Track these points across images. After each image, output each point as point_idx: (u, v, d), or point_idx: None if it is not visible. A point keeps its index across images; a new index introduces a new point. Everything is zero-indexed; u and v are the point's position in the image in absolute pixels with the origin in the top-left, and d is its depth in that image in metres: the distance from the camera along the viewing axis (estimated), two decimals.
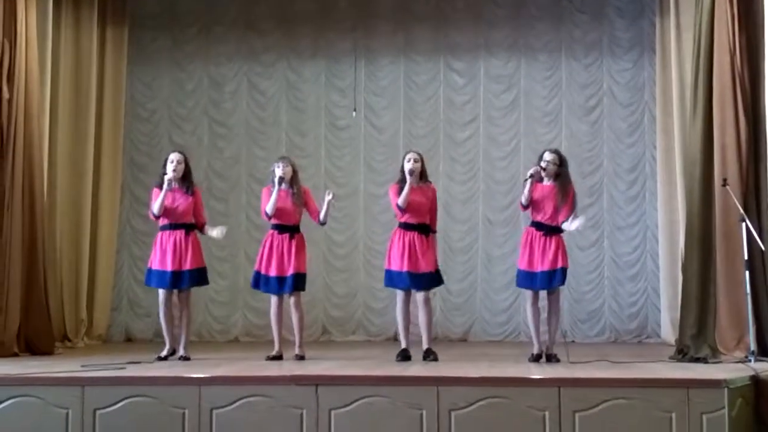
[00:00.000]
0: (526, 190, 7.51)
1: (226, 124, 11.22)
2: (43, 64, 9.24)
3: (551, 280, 7.49)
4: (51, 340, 8.79)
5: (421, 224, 7.73)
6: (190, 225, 7.93)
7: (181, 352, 7.86)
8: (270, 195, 7.87)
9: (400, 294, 7.76)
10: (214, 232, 8.02)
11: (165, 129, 11.20)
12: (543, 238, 7.53)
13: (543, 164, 7.57)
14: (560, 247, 7.54)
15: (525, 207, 7.62)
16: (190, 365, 7.38)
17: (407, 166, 7.69)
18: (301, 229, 8.03)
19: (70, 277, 9.92)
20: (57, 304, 9.39)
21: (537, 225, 7.59)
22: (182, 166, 7.92)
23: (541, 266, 7.48)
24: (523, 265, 7.59)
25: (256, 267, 7.97)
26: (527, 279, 7.57)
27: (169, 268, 7.78)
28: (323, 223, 8.11)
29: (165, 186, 7.77)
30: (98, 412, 6.11)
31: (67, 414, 6.11)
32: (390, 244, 7.80)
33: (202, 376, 6.34)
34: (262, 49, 11.25)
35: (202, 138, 11.17)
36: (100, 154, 10.43)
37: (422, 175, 7.81)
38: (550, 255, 7.48)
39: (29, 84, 8.74)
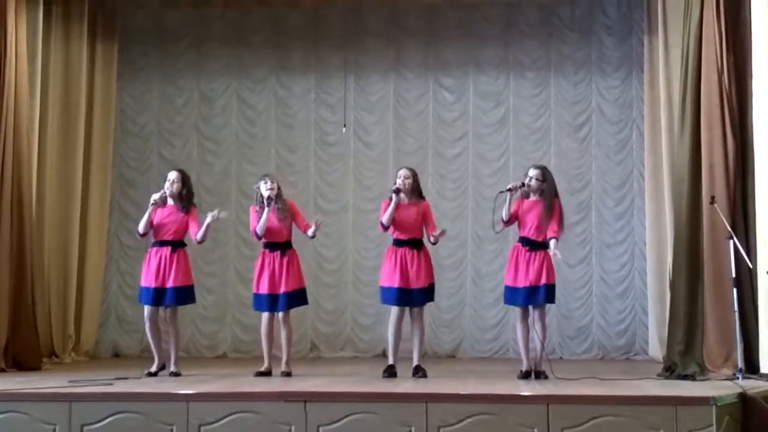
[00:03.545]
0: (506, 205, 7.58)
1: (216, 140, 11.21)
2: (32, 79, 9.24)
3: (534, 295, 7.51)
4: (38, 355, 8.76)
5: (412, 239, 7.75)
6: (177, 242, 7.91)
7: (171, 368, 7.84)
8: (256, 214, 7.86)
9: (394, 310, 7.74)
10: (208, 218, 7.73)
11: (154, 144, 11.19)
12: (528, 254, 7.57)
13: (526, 180, 7.62)
14: (545, 262, 7.55)
15: (506, 222, 7.67)
16: (178, 381, 7.37)
17: (397, 183, 7.75)
18: (292, 244, 8.02)
19: (58, 292, 9.87)
20: (44, 320, 9.34)
21: (523, 240, 7.64)
22: (178, 185, 7.92)
23: (524, 281, 7.52)
24: (509, 281, 7.65)
25: (253, 289, 7.95)
26: (513, 295, 7.62)
27: (152, 284, 7.79)
28: (312, 237, 8.05)
29: (150, 205, 7.82)
30: (86, 428, 6.10)
31: (54, 430, 6.10)
32: (383, 261, 7.83)
33: (190, 392, 6.33)
34: (252, 64, 11.26)
35: (191, 153, 11.15)
36: (89, 169, 10.40)
37: (415, 192, 7.83)
38: (534, 270, 7.52)
39: (18, 99, 8.73)
